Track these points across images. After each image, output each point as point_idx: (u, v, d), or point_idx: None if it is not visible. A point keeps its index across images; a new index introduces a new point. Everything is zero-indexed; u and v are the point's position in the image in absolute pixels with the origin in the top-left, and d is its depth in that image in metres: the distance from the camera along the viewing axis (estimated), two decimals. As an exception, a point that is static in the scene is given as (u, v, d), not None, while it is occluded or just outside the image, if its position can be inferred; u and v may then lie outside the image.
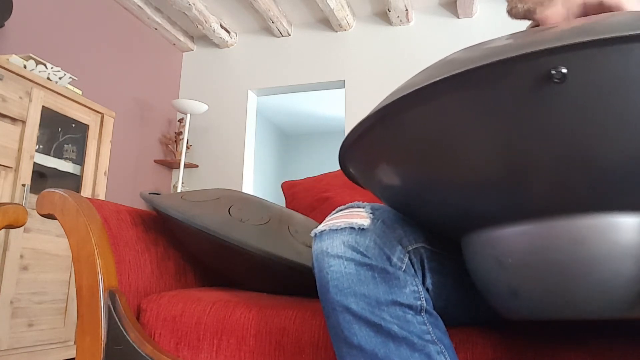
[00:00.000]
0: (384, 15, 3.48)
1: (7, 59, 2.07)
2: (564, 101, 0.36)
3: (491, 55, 0.36)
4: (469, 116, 0.39)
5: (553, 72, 0.34)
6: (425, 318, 0.54)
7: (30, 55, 2.20)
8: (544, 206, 0.42)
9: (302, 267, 0.81)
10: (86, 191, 2.36)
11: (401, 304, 0.53)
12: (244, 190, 3.55)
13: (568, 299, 0.43)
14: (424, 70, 0.45)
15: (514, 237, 0.44)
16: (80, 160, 2.39)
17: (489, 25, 3.24)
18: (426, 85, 0.39)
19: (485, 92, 0.38)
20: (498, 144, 0.39)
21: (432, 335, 0.53)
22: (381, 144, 0.46)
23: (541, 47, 0.34)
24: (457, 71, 0.37)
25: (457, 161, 0.42)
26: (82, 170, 2.36)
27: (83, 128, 2.40)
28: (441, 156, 0.43)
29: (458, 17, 3.32)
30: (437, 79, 0.38)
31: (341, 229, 0.56)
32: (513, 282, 0.45)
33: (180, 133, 3.70)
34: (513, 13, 0.75)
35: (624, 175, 0.38)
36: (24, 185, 1.99)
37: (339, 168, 3.87)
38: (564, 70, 0.34)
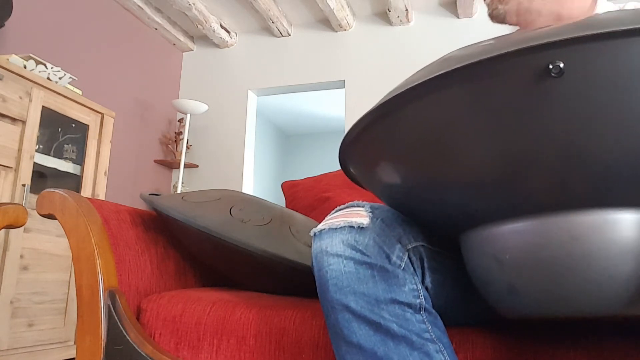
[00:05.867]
0: (384, 15, 3.48)
1: (7, 59, 2.07)
2: (561, 96, 0.36)
3: (490, 51, 0.36)
4: (467, 112, 0.39)
5: (550, 66, 0.35)
6: (424, 316, 0.54)
7: (30, 55, 2.20)
8: (541, 203, 0.42)
9: (303, 267, 0.81)
10: (86, 191, 2.36)
11: (400, 303, 0.53)
12: (244, 190, 3.55)
13: (565, 296, 0.43)
14: (422, 68, 0.45)
15: (512, 234, 0.45)
16: (80, 160, 2.39)
17: (489, 25, 3.22)
18: (424, 82, 0.39)
19: (483, 87, 0.38)
20: (495, 140, 0.39)
21: (431, 333, 0.53)
22: (380, 142, 0.46)
23: (539, 41, 0.34)
24: (456, 66, 0.37)
25: (455, 158, 0.42)
26: (82, 170, 2.36)
27: (83, 128, 2.40)
28: (439, 153, 0.43)
29: (458, 17, 3.32)
30: (435, 74, 0.38)
31: (340, 227, 0.56)
32: (511, 279, 0.45)
33: (180, 133, 3.70)
34: (494, 15, 0.76)
35: (622, 171, 0.38)
36: (24, 185, 1.99)
37: (339, 168, 3.87)
38: (561, 65, 0.34)
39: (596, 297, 0.42)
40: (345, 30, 3.55)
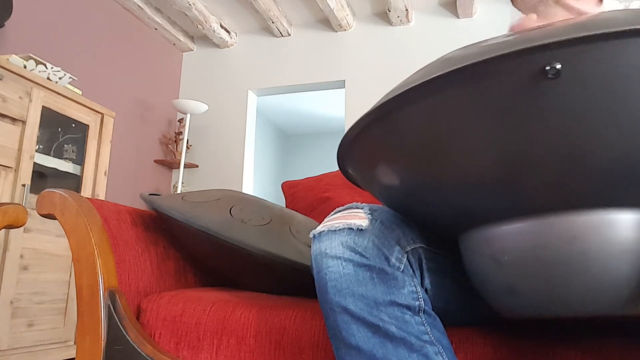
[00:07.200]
0: (384, 15, 3.48)
1: (7, 59, 2.07)
2: (558, 97, 0.36)
3: (488, 52, 0.36)
4: (464, 113, 0.39)
5: (547, 68, 0.35)
6: (423, 318, 0.54)
7: (30, 55, 2.20)
8: (540, 203, 0.42)
9: (303, 267, 0.81)
10: (86, 191, 2.36)
11: (399, 305, 0.53)
12: (244, 190, 3.55)
13: (564, 296, 0.43)
14: (420, 69, 0.45)
15: (510, 235, 0.45)
16: (80, 160, 2.39)
17: (489, 25, 3.24)
18: (422, 83, 0.39)
19: (481, 89, 0.38)
20: (493, 141, 0.39)
21: (430, 335, 0.53)
22: (378, 143, 0.46)
23: (535, 43, 0.34)
24: (453, 68, 0.37)
25: (453, 159, 0.42)
26: (82, 170, 2.36)
27: (83, 128, 2.40)
28: (438, 154, 0.43)
29: (458, 17, 3.32)
30: (434, 76, 0.38)
31: (340, 229, 0.56)
32: (510, 280, 0.45)
33: (180, 133, 3.70)
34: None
35: (619, 172, 0.38)
36: (24, 185, 1.99)
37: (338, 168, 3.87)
38: (558, 66, 0.34)
39: (595, 297, 0.42)
40: (345, 30, 3.55)
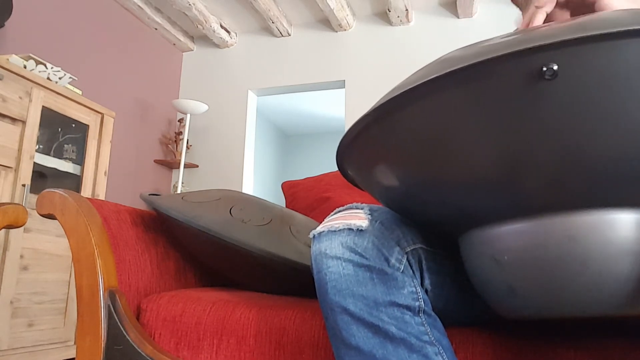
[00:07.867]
0: (384, 15, 3.48)
1: (7, 59, 2.07)
2: (556, 98, 0.36)
3: (485, 53, 0.36)
4: (464, 113, 0.39)
5: (544, 69, 0.35)
6: (423, 319, 0.54)
7: (30, 55, 2.20)
8: (539, 203, 0.42)
9: (303, 267, 0.81)
10: (86, 191, 2.36)
11: (399, 305, 0.53)
12: (244, 190, 3.55)
13: (564, 297, 0.43)
14: (419, 69, 0.45)
15: (510, 235, 0.45)
16: (80, 160, 2.39)
17: (489, 25, 3.24)
18: (420, 84, 0.39)
19: (480, 89, 0.38)
20: (492, 141, 0.39)
21: (430, 336, 0.53)
22: (377, 144, 0.46)
23: (532, 44, 0.34)
24: (451, 69, 0.37)
25: (452, 159, 0.42)
26: (82, 170, 2.36)
27: (83, 128, 2.40)
28: (437, 154, 0.43)
29: (458, 17, 3.32)
30: (431, 77, 0.38)
31: (339, 230, 0.56)
32: (510, 280, 0.45)
33: (180, 133, 3.70)
34: None
35: (618, 172, 0.38)
36: (24, 185, 1.99)
37: (339, 168, 3.87)
38: (555, 67, 0.34)
39: (595, 297, 0.42)
40: (345, 30, 3.55)
